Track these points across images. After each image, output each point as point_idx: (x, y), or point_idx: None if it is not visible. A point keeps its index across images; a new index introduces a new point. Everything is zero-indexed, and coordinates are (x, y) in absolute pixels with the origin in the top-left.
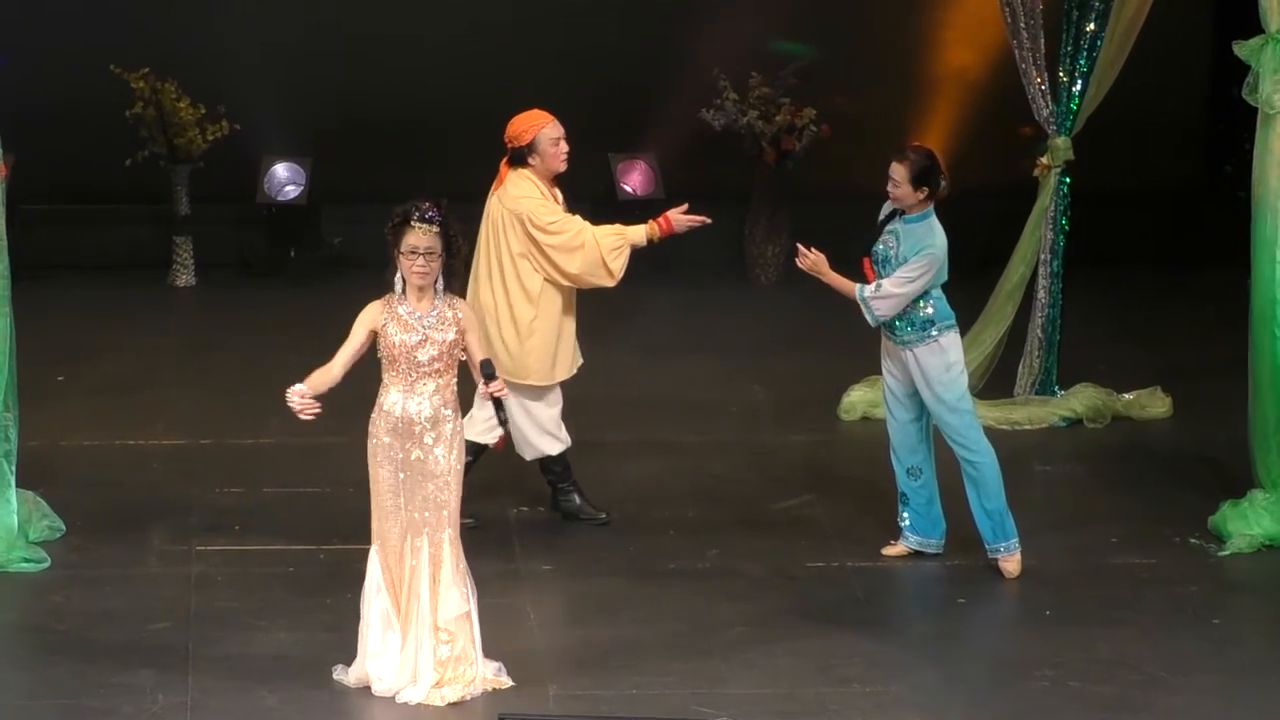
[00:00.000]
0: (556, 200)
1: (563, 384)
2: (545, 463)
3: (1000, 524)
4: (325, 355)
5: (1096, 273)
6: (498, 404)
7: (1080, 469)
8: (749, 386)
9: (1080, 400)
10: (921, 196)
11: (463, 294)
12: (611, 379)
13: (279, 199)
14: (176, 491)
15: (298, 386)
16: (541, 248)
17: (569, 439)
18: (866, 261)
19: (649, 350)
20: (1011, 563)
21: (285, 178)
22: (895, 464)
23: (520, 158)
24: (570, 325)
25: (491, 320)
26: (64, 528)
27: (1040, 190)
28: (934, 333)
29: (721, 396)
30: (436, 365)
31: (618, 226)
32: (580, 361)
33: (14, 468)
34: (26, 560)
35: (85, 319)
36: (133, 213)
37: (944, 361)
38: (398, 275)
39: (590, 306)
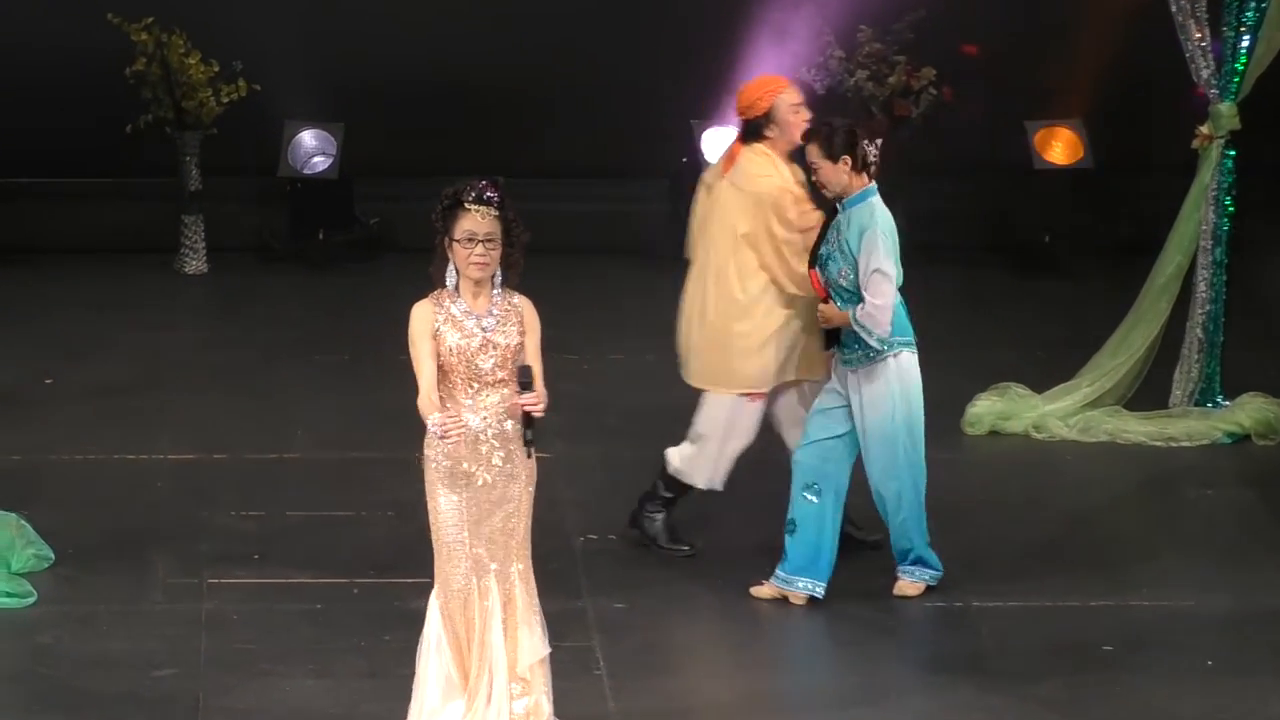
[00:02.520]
0: (796, 179)
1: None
2: (667, 482)
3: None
4: (359, 353)
5: (1266, 262)
6: (528, 420)
7: (1248, 493)
8: None
9: (1247, 413)
10: (847, 168)
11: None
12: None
13: (305, 172)
14: (184, 514)
15: (435, 420)
16: (777, 243)
17: (722, 484)
18: (813, 274)
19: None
20: (912, 587)
21: (312, 147)
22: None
23: (755, 130)
24: (793, 328)
25: (695, 317)
26: (53, 556)
27: (1200, 165)
28: (891, 346)
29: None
30: (500, 374)
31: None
32: (790, 377)
33: None
34: (8, 595)
35: (78, 311)
36: (134, 188)
37: (885, 389)
38: (449, 268)
39: (663, 307)
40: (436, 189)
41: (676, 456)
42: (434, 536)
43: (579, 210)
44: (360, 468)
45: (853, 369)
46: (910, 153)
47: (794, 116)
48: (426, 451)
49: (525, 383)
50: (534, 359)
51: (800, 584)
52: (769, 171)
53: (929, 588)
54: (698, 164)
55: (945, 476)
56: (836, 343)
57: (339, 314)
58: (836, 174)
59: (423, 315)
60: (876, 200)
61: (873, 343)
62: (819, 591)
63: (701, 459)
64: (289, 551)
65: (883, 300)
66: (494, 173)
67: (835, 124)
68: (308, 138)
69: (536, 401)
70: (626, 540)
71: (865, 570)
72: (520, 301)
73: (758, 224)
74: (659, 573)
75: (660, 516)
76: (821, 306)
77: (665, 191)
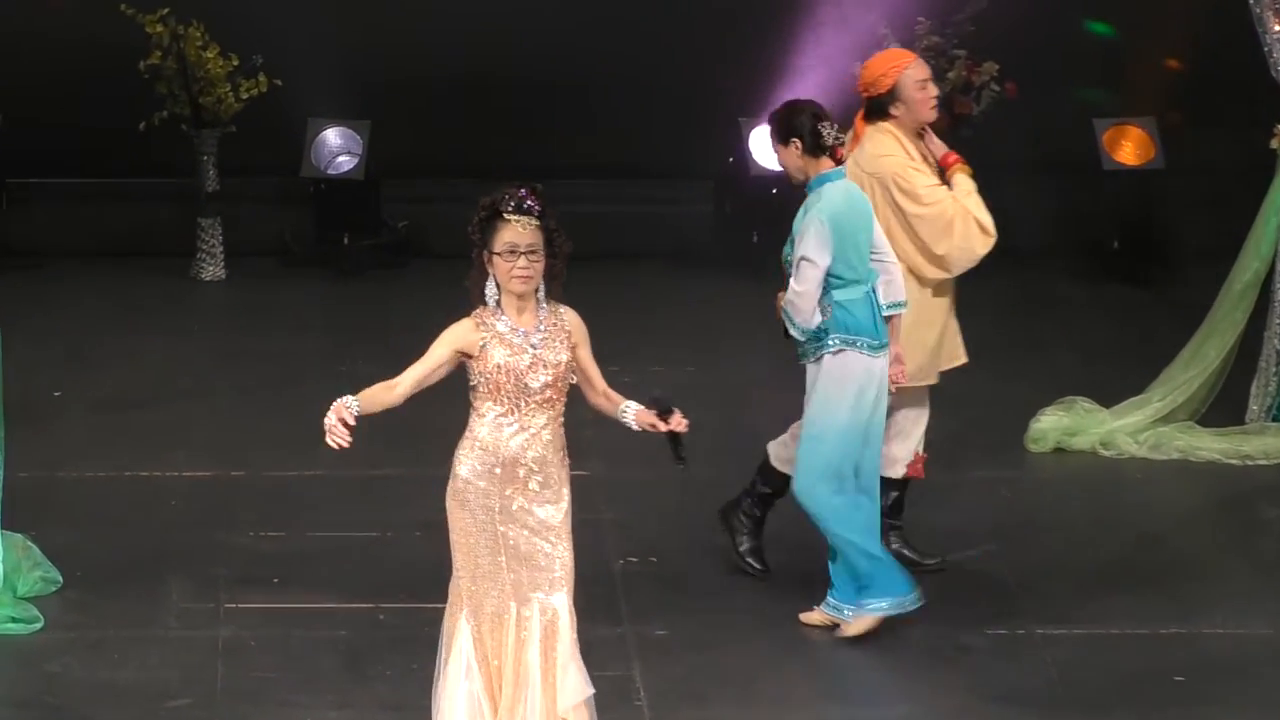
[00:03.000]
0: (925, 160)
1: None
2: (765, 477)
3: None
4: (386, 366)
5: None
6: (675, 440)
7: None
8: None
9: None
10: (798, 151)
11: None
12: (745, 398)
13: (329, 172)
14: (200, 535)
15: (347, 402)
16: (908, 218)
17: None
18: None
19: (774, 359)
20: (817, 616)
21: (337, 146)
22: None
23: (879, 108)
24: (941, 317)
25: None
26: (61, 579)
27: (1279, 166)
28: (830, 344)
29: None
30: (549, 393)
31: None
32: (950, 364)
33: None
34: (15, 620)
35: (89, 320)
36: (148, 188)
37: (812, 388)
38: (489, 283)
39: (707, 316)
40: (469, 191)
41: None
42: (461, 557)
43: (617, 213)
44: (387, 486)
45: (803, 362)
46: (971, 152)
47: (920, 93)
48: (455, 469)
49: (667, 409)
50: (589, 368)
51: (848, 611)
52: (892, 150)
53: (835, 623)
54: (744, 163)
55: (1008, 496)
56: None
57: (364, 323)
58: (789, 157)
59: (459, 330)
60: (832, 186)
61: (794, 333)
62: (878, 613)
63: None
64: (311, 574)
65: (803, 288)
66: (528, 175)
67: (780, 108)
68: (332, 136)
69: (681, 423)
70: (669, 562)
71: (938, 599)
72: (567, 314)
73: (885, 206)
74: (703, 597)
75: (750, 521)
76: (779, 293)
77: (709, 193)
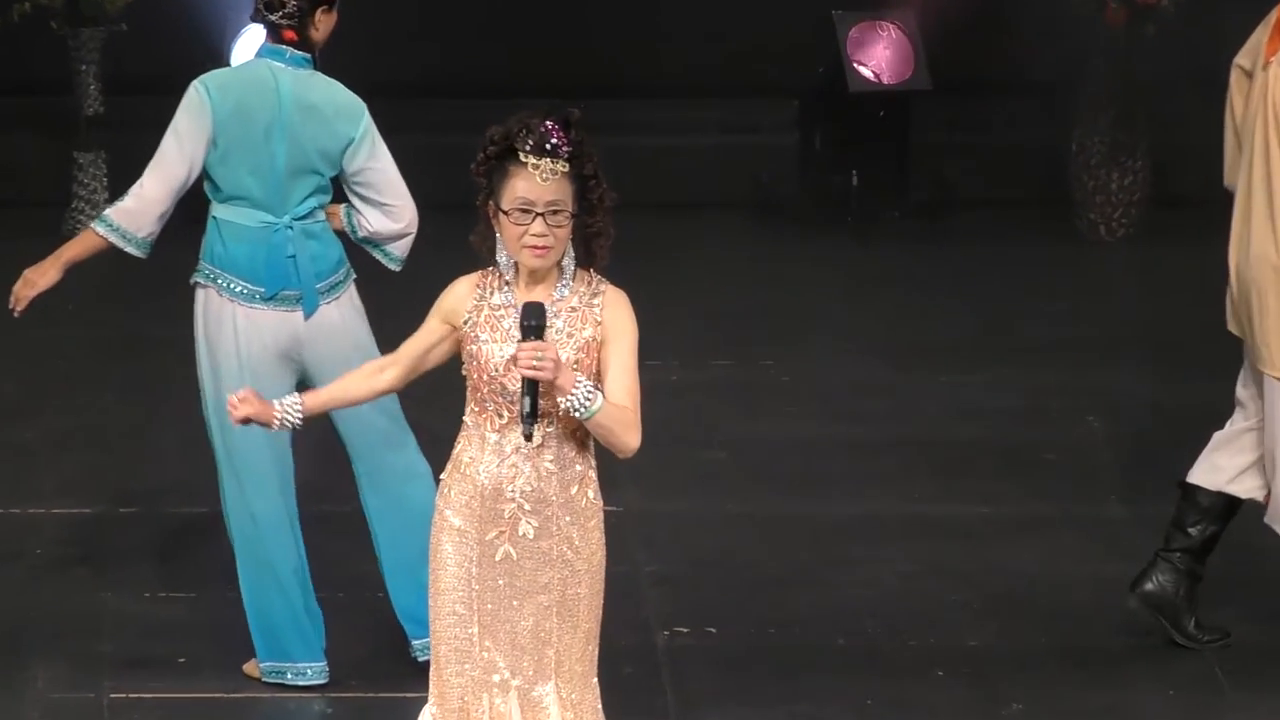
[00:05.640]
0: None
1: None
2: (1194, 514)
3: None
4: None
5: None
6: (529, 388)
7: None
8: (1076, 418)
9: None
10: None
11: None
12: (839, 404)
13: None
14: (77, 596)
15: (293, 401)
16: None
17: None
18: None
19: (893, 354)
20: (251, 666)
21: None
22: None
23: None
24: None
25: (1256, 273)
26: None
27: None
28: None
29: (1028, 435)
30: (544, 402)
31: None
32: None
33: None
34: None
35: None
36: (5, 110)
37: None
38: (499, 246)
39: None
40: (447, 117)
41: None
42: (431, 623)
43: (668, 146)
44: (338, 526)
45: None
46: (1151, 64)
47: None
48: (438, 502)
49: (532, 325)
50: (621, 374)
51: None
52: None
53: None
54: (842, 75)
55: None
56: None
57: None
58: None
59: (458, 295)
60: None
61: None
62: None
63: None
64: (230, 651)
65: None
66: (549, 95)
67: None
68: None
69: (538, 355)
70: (731, 633)
71: (1121, 690)
72: (607, 296)
73: None
74: (777, 682)
75: (1190, 583)
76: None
77: (793, 117)
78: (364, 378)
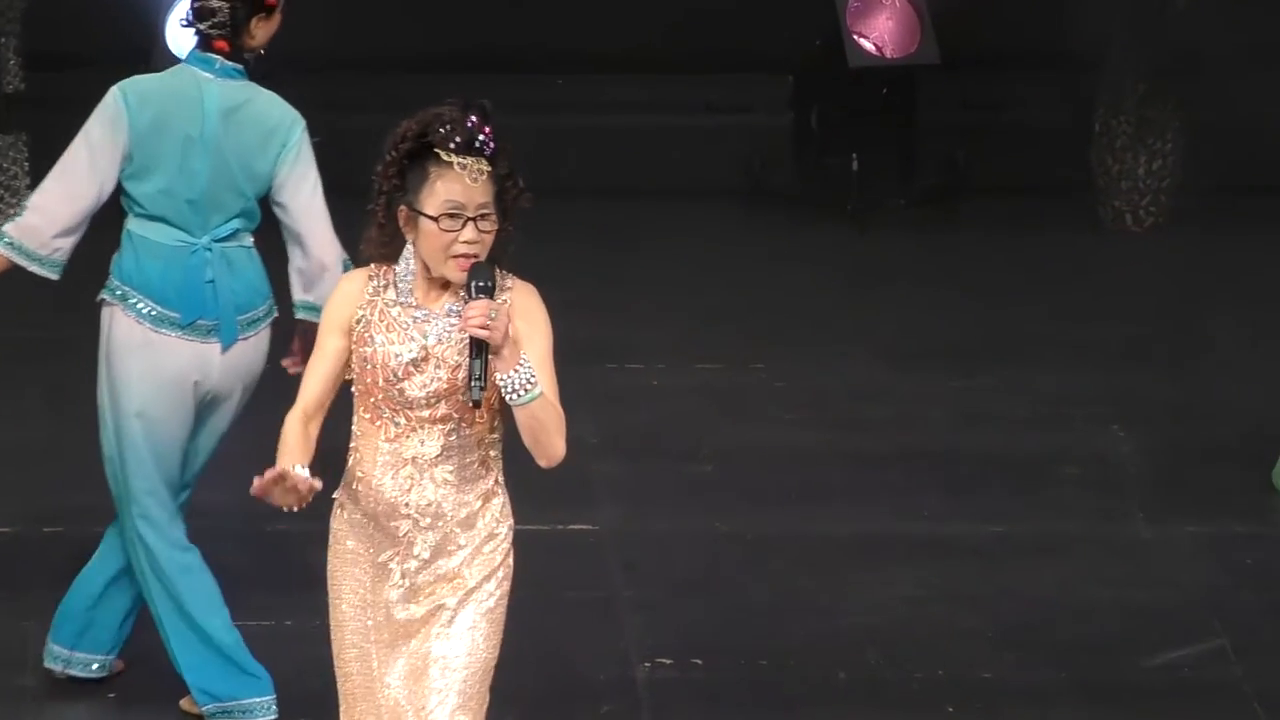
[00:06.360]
0: None
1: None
2: None
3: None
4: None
5: None
6: (477, 349)
7: None
8: (1099, 427)
9: None
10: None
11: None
12: (839, 412)
13: None
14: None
15: (301, 473)
16: None
17: None
18: None
19: (896, 356)
20: (187, 702)
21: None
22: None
23: None
24: None
25: None
26: None
27: None
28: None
29: (1045, 445)
30: (444, 408)
31: None
32: None
33: None
34: None
35: None
36: None
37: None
38: (407, 247)
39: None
40: (401, 98)
41: None
42: (334, 656)
43: (650, 126)
44: (286, 544)
45: None
46: (1182, 35)
47: None
48: (332, 523)
49: (483, 285)
50: (540, 374)
51: None
52: None
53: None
54: (842, 48)
55: (1246, 563)
56: None
57: None
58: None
59: (346, 295)
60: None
61: None
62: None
63: None
64: (163, 684)
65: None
66: (520, 70)
67: None
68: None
69: (491, 313)
70: (717, 665)
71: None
72: (514, 291)
73: None
74: (769, 717)
75: None
76: None
77: (787, 95)
78: (302, 428)
